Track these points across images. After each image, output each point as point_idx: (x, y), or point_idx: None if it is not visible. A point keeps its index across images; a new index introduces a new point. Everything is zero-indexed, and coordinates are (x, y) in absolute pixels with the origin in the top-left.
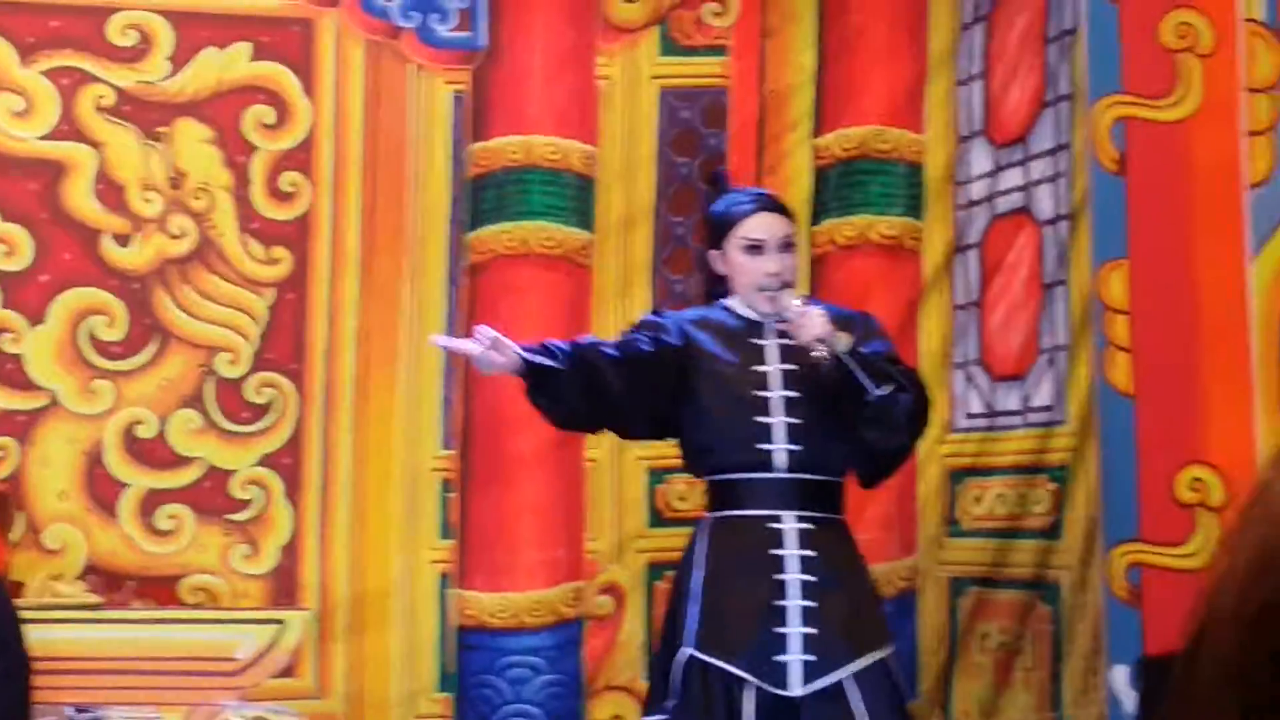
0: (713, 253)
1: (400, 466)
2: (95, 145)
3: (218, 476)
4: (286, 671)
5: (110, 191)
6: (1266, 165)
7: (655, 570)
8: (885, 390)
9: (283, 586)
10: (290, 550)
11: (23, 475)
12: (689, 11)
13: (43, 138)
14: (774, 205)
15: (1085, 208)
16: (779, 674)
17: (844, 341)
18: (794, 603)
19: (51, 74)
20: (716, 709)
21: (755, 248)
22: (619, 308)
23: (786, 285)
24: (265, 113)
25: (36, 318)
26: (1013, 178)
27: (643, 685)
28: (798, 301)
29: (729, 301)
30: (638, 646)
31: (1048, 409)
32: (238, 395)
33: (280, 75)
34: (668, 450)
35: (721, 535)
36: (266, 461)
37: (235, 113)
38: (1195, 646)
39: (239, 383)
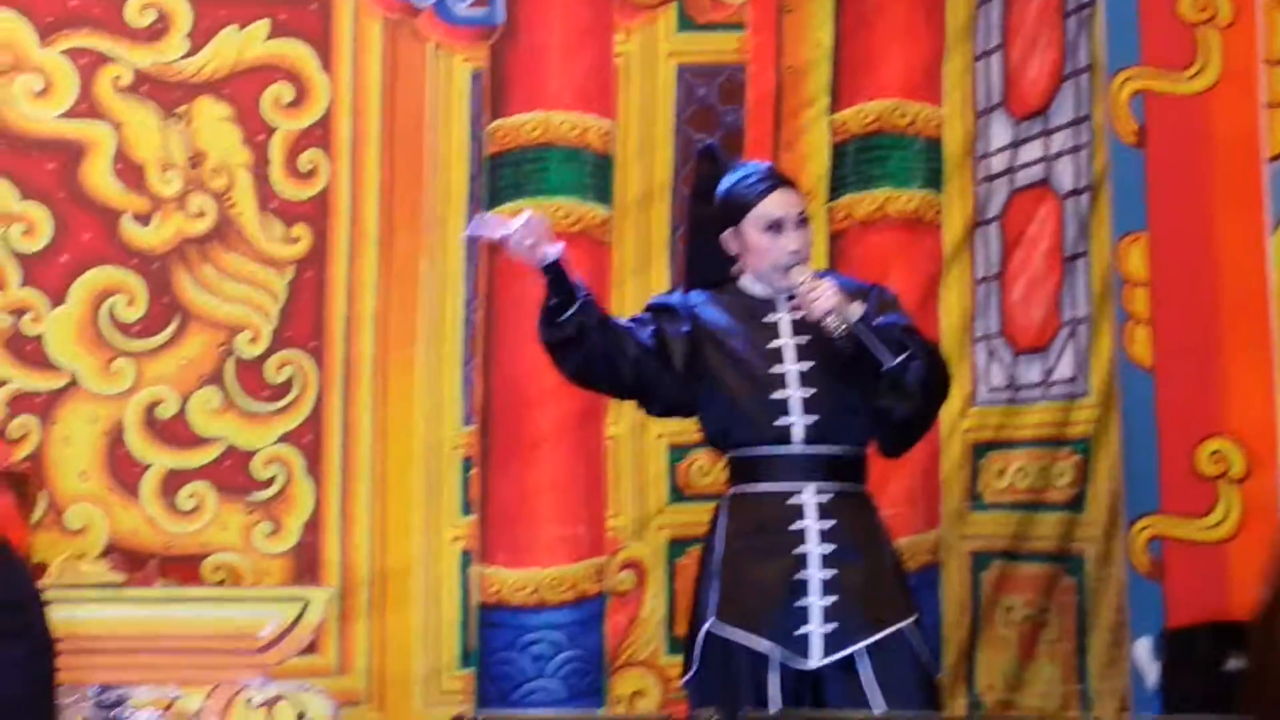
0: (726, 233)
1: (421, 443)
2: (114, 125)
3: (238, 455)
4: (309, 649)
5: (129, 171)
6: None
7: (676, 546)
8: (899, 359)
9: (304, 564)
10: (312, 528)
11: (44, 455)
12: None
13: (61, 117)
14: (786, 181)
15: (1105, 180)
16: (801, 646)
17: (855, 312)
18: (814, 574)
19: (70, 54)
20: (741, 684)
21: (775, 226)
22: (638, 284)
23: (804, 261)
24: (284, 91)
25: (57, 298)
26: (1032, 151)
27: (665, 661)
28: (807, 276)
29: (740, 280)
30: (659, 622)
31: (1070, 381)
32: (258, 374)
33: (299, 53)
34: (688, 426)
35: (742, 511)
36: (287, 440)
37: (254, 91)
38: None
39: (259, 361)
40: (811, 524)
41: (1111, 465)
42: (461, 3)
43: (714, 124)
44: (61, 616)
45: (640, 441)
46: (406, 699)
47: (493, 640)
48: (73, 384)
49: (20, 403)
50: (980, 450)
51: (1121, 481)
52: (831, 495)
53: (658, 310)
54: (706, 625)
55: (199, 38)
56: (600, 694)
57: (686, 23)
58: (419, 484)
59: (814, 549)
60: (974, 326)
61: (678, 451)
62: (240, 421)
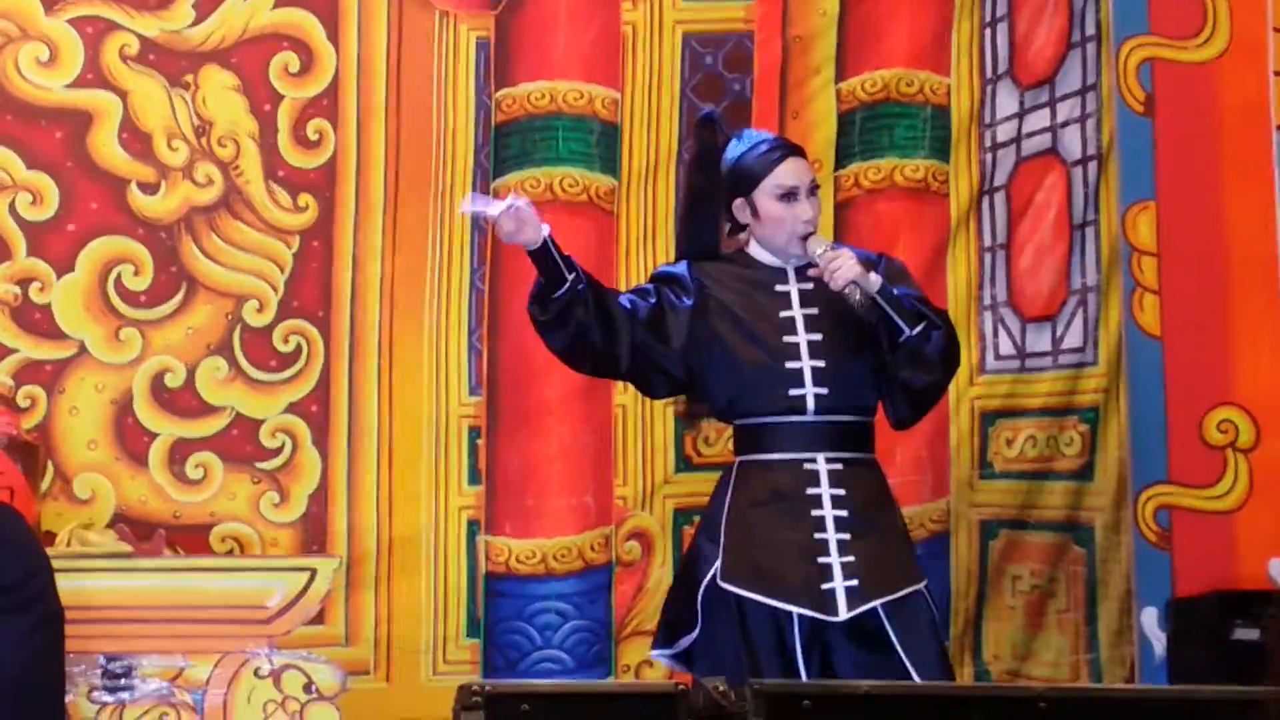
0: (738, 202)
1: (428, 413)
2: (121, 94)
3: (246, 425)
4: (316, 619)
5: (136, 140)
6: None
7: (683, 515)
8: (918, 329)
9: (312, 534)
10: (319, 498)
11: (52, 425)
12: None
13: (68, 86)
14: (798, 150)
15: (1113, 149)
16: (826, 602)
17: (875, 283)
18: (831, 536)
19: (76, 23)
20: (759, 643)
21: (790, 195)
22: (643, 254)
23: (815, 229)
24: (290, 60)
25: (64, 267)
26: (1039, 119)
27: None
28: (826, 246)
29: (749, 249)
30: (665, 592)
31: (1078, 350)
32: (265, 343)
33: (305, 22)
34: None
35: (753, 478)
36: (294, 409)
37: (260, 60)
38: None
39: (266, 331)
40: (825, 490)
41: (1120, 434)
42: None
43: (720, 93)
44: (69, 586)
45: (647, 411)
46: (413, 669)
47: (499, 610)
48: (80, 353)
49: (28, 372)
50: (989, 419)
51: (1129, 451)
52: (842, 464)
53: (663, 280)
54: (708, 579)
55: (205, 7)
56: (607, 664)
57: None
58: (426, 454)
59: (829, 513)
60: (981, 295)
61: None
62: (247, 391)
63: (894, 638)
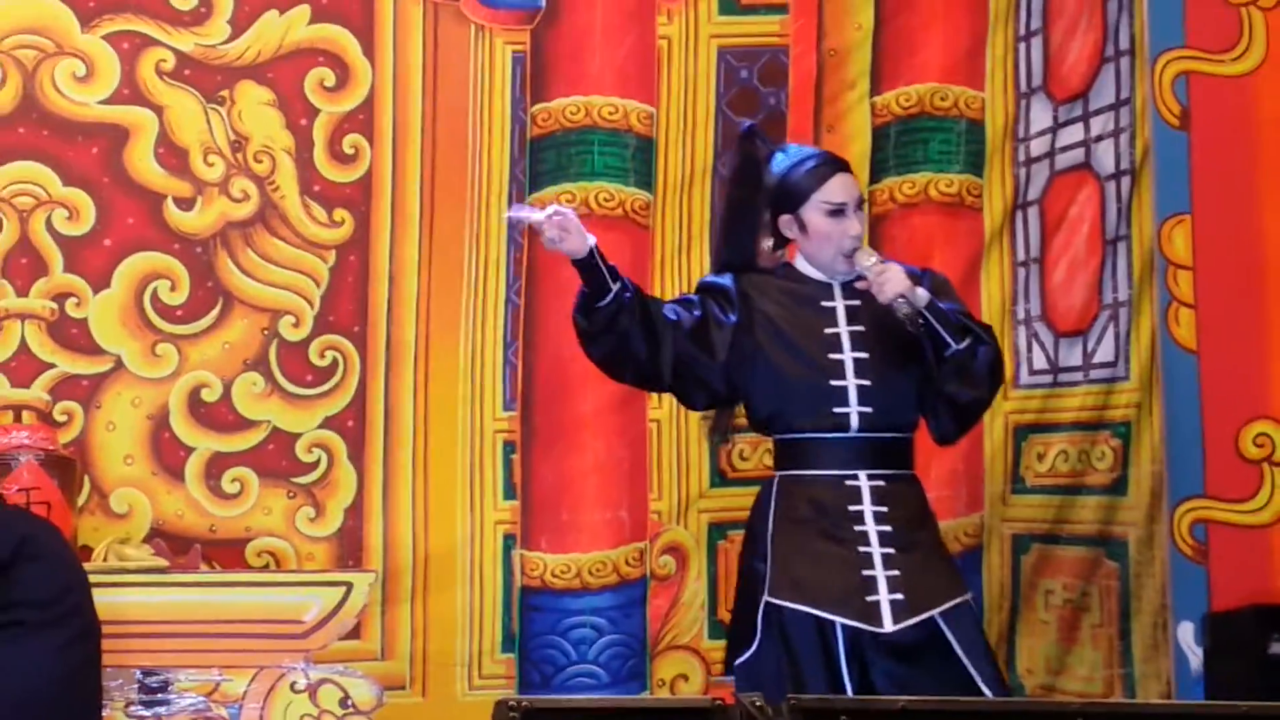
0: (785, 217)
1: (463, 428)
2: (157, 109)
3: (282, 439)
4: (352, 634)
5: (172, 155)
6: None
7: (718, 530)
8: (965, 344)
9: (348, 549)
10: (355, 512)
11: (89, 440)
12: None
13: (104, 102)
14: (845, 165)
15: (1147, 163)
16: (873, 613)
17: (923, 297)
18: (876, 550)
19: (112, 38)
20: (804, 657)
21: (838, 211)
22: (678, 267)
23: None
24: (326, 75)
25: (101, 282)
26: (1073, 134)
27: (707, 644)
28: (875, 259)
29: (795, 263)
30: (700, 606)
31: (1110, 365)
32: (301, 358)
33: (340, 37)
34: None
35: (795, 493)
36: (330, 424)
37: (296, 75)
38: None
39: (302, 345)
40: (868, 507)
41: (1153, 449)
42: None
43: (755, 107)
44: (106, 601)
45: (682, 425)
46: (449, 683)
47: (535, 624)
48: (117, 368)
49: (64, 387)
50: (1022, 433)
51: (1164, 464)
52: (884, 480)
53: (709, 292)
54: (764, 601)
55: (241, 22)
56: (643, 678)
57: (728, 5)
58: (461, 468)
59: (872, 529)
60: (1015, 309)
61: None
62: (283, 405)
63: (956, 647)
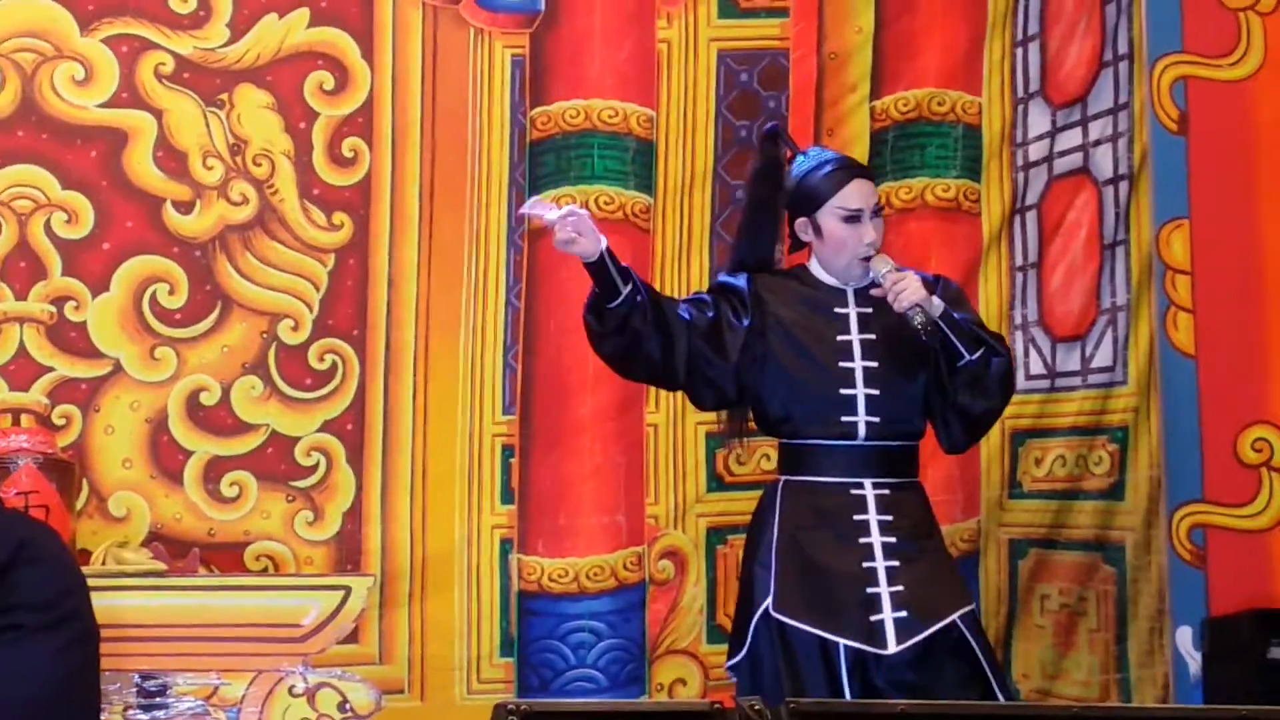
0: (800, 221)
1: (461, 432)
2: (156, 113)
3: (281, 443)
4: (351, 637)
5: (171, 159)
6: None
7: (715, 534)
8: (978, 355)
9: (346, 552)
10: (353, 516)
11: (87, 443)
12: None
13: (103, 105)
14: (864, 171)
15: (1145, 168)
16: (876, 633)
17: (938, 306)
18: (880, 564)
19: (111, 42)
20: (807, 672)
21: (854, 217)
22: (679, 270)
23: (878, 251)
24: (325, 78)
25: (99, 286)
26: (1071, 138)
27: (706, 649)
28: (890, 267)
29: (810, 267)
30: (699, 610)
31: (1108, 369)
32: (300, 361)
33: (340, 40)
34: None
35: (800, 499)
36: (329, 428)
37: (295, 79)
38: None
39: (301, 349)
40: (873, 517)
41: (1150, 453)
42: None
43: (755, 110)
44: (104, 604)
45: (679, 430)
46: (447, 687)
47: (533, 629)
48: (115, 372)
49: (63, 391)
50: (1019, 438)
51: (1161, 469)
52: (889, 489)
53: (723, 292)
54: (762, 609)
55: (240, 26)
56: (641, 683)
57: (728, 9)
58: (459, 472)
59: (877, 540)
60: (1012, 314)
61: (716, 440)
62: (282, 409)
63: (976, 649)
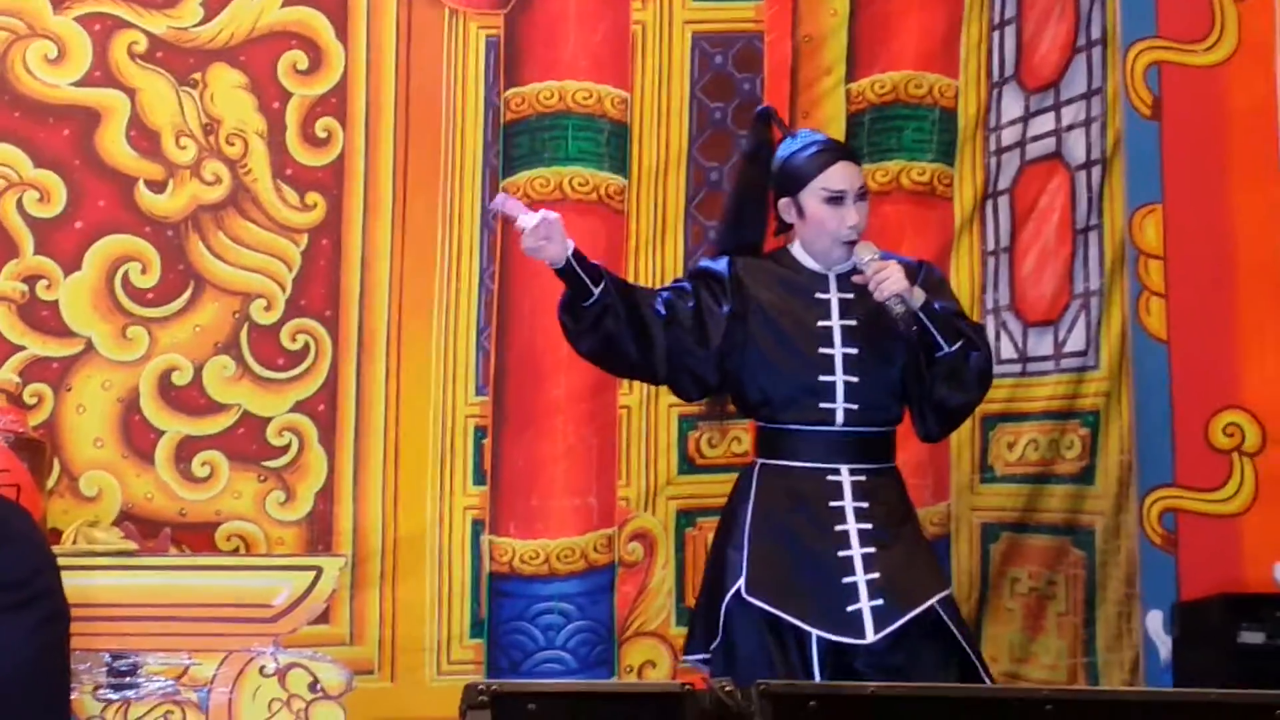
0: (783, 201)
1: (434, 412)
2: (129, 92)
3: (253, 423)
4: (322, 618)
5: (144, 138)
6: None
7: (685, 517)
8: (956, 347)
9: (318, 533)
10: (325, 497)
11: (58, 422)
12: None
13: (75, 84)
14: (849, 153)
15: (1118, 153)
16: (854, 624)
17: (919, 297)
18: (856, 551)
19: (84, 20)
20: (776, 656)
21: (836, 199)
22: (654, 253)
23: (860, 235)
24: (298, 58)
25: (72, 265)
26: (1044, 123)
27: (674, 631)
28: (874, 255)
29: (791, 249)
30: (668, 593)
31: (1080, 354)
32: (272, 341)
33: (313, 20)
34: None
35: (775, 483)
36: (301, 408)
37: (268, 58)
38: None
39: (274, 329)
40: (849, 503)
41: (1121, 438)
42: None
43: (730, 93)
44: (75, 584)
45: (652, 412)
46: (418, 668)
47: (503, 610)
48: (87, 351)
49: (34, 370)
50: (990, 422)
51: (1131, 454)
52: (866, 475)
53: (702, 278)
54: (734, 590)
55: (214, 5)
56: (610, 664)
57: None
58: (432, 453)
59: (853, 526)
60: (984, 299)
61: (688, 421)
62: (255, 389)
63: (955, 632)
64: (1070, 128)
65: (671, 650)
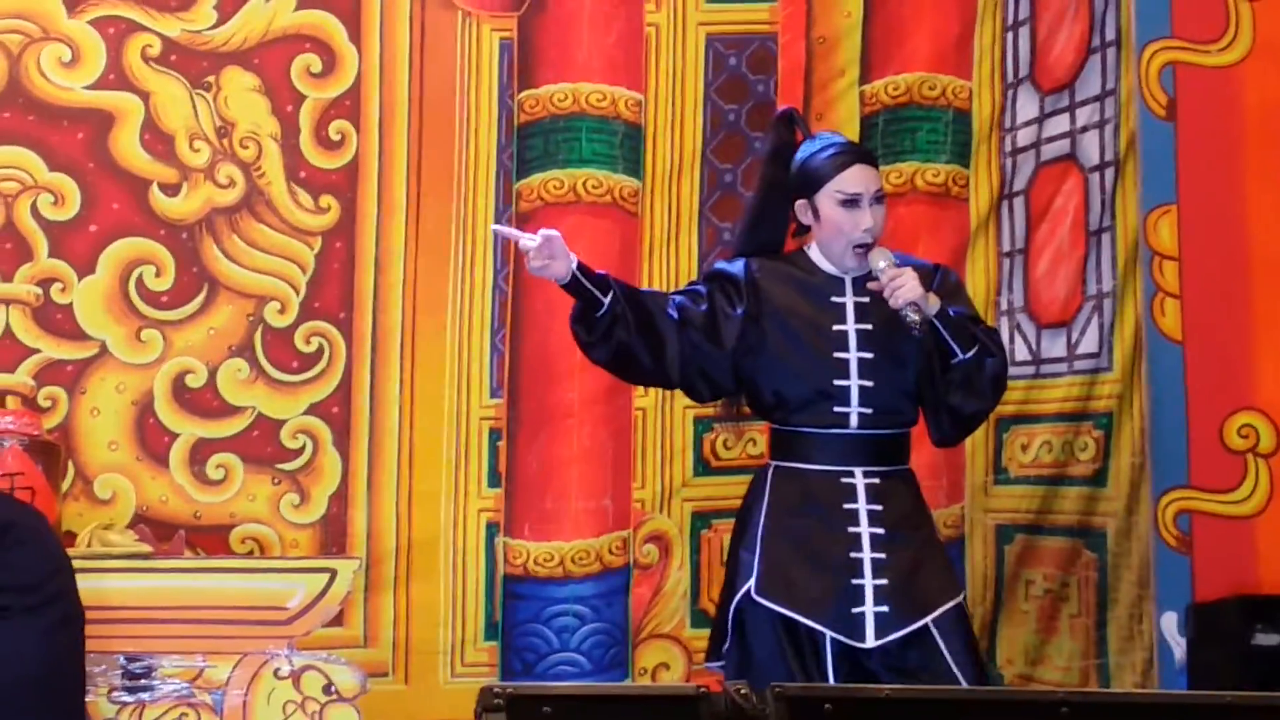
0: (800, 203)
1: (448, 415)
2: (143, 95)
3: (267, 425)
4: (336, 620)
5: (158, 141)
6: None
7: (701, 519)
8: (972, 354)
9: (332, 535)
10: (339, 499)
11: (73, 425)
12: None
13: (90, 87)
14: (867, 156)
15: (1133, 153)
16: (856, 626)
17: (934, 305)
18: (867, 555)
19: (98, 23)
20: (790, 657)
21: (852, 202)
22: (667, 255)
23: (876, 239)
24: (312, 61)
25: (86, 268)
26: (1059, 124)
27: (689, 633)
28: (889, 261)
29: (808, 252)
30: (683, 595)
31: (1093, 356)
32: (287, 344)
33: (327, 23)
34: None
35: (788, 485)
36: (315, 410)
37: (282, 61)
38: None
39: (288, 331)
40: (862, 505)
41: (1133, 440)
42: None
43: (744, 95)
44: (90, 586)
45: (667, 414)
46: (432, 671)
47: (517, 612)
48: (101, 354)
49: (49, 373)
50: (1004, 424)
51: (1144, 456)
52: (880, 478)
53: (717, 280)
54: (744, 592)
55: (227, 8)
56: (625, 666)
57: None
58: (446, 455)
59: (865, 530)
60: (998, 300)
61: (703, 424)
62: (269, 392)
63: (944, 653)
64: (1085, 129)
65: (686, 652)
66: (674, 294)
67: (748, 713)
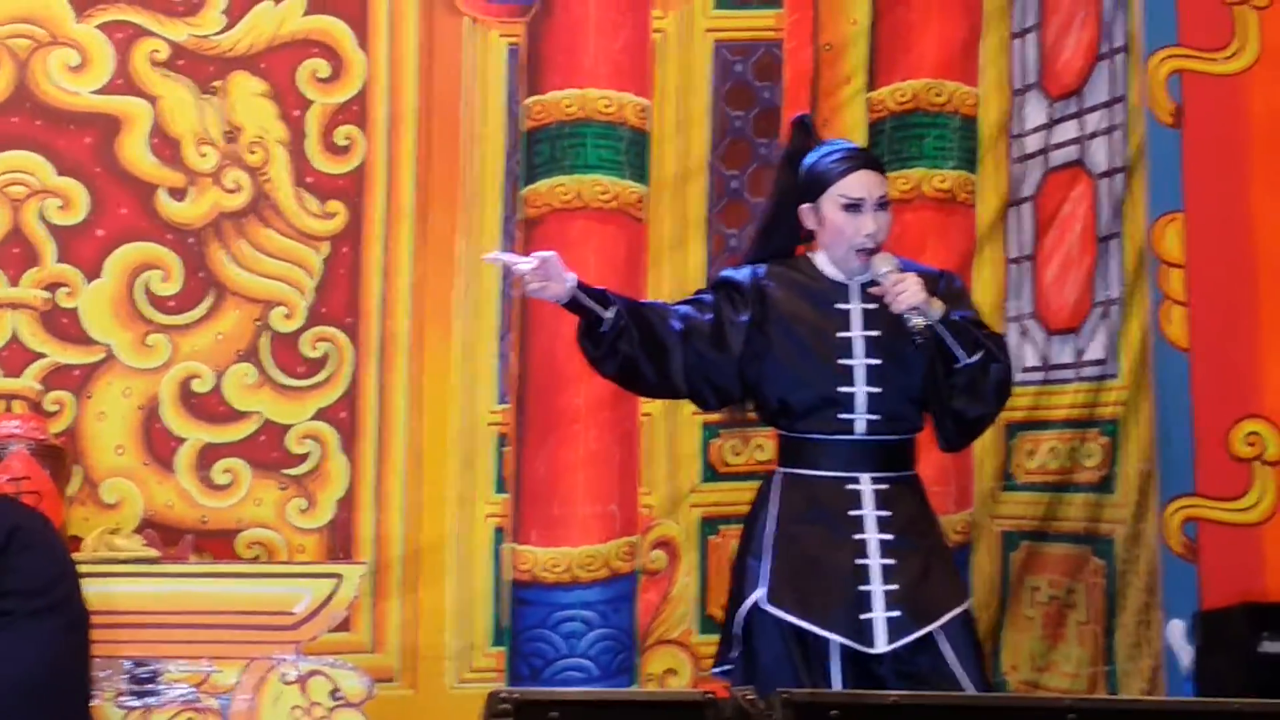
0: (804, 207)
1: (456, 420)
2: (150, 99)
3: (274, 430)
4: (342, 626)
5: (165, 146)
6: None
7: (709, 525)
8: (976, 359)
9: (339, 541)
10: (346, 504)
11: (80, 430)
12: None
13: (97, 92)
14: (872, 162)
15: (1140, 161)
16: (865, 631)
17: (937, 309)
18: (875, 561)
19: (106, 28)
20: (798, 665)
21: (854, 206)
22: (674, 261)
23: (879, 245)
24: (320, 66)
25: (93, 272)
26: (1067, 131)
27: (697, 639)
28: (892, 267)
29: (814, 258)
30: (691, 601)
31: (1100, 362)
32: (293, 349)
33: (335, 28)
34: None
35: (796, 491)
36: (322, 415)
37: (290, 66)
38: None
39: (294, 337)
40: (869, 512)
41: (1140, 447)
42: None
43: (750, 101)
44: (96, 591)
45: (674, 420)
46: (439, 676)
47: (525, 618)
48: (108, 359)
49: (56, 377)
50: (1012, 430)
51: (1151, 463)
52: (887, 484)
53: (723, 288)
54: (752, 600)
55: (235, 13)
56: (632, 672)
57: None
58: (453, 461)
59: (873, 536)
60: (1006, 307)
61: (711, 429)
62: (275, 397)
63: (949, 660)
64: (1093, 135)
65: (694, 658)
66: (679, 303)
67: (754, 718)
